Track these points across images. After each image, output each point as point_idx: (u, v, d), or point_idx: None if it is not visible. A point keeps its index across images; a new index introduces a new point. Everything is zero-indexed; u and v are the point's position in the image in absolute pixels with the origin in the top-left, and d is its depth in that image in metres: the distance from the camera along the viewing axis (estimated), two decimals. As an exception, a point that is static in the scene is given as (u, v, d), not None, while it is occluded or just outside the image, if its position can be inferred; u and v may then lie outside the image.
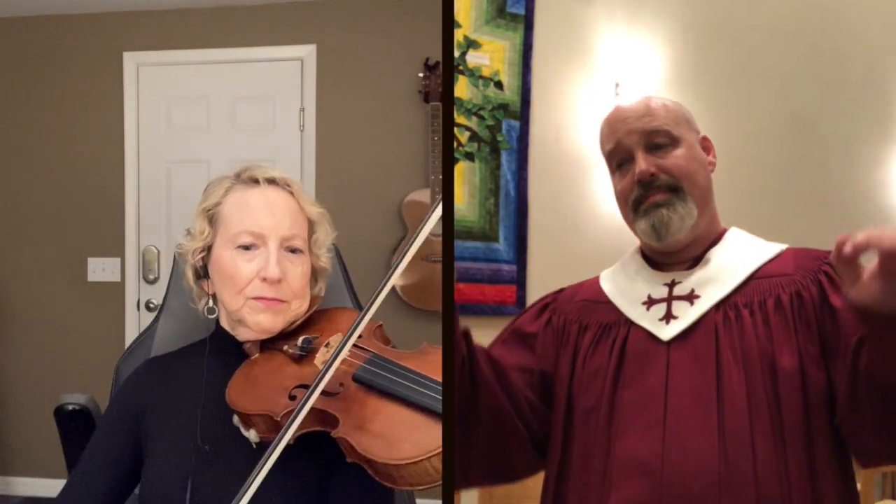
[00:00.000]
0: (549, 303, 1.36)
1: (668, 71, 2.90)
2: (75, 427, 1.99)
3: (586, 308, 1.31)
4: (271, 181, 1.32)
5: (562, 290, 1.39)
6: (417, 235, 1.04)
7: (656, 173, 1.23)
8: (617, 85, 2.86)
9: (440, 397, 1.06)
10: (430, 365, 1.14)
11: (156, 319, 1.55)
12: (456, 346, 1.14)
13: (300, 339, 1.25)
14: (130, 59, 3.97)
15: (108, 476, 1.28)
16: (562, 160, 2.83)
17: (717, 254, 1.26)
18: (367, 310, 1.07)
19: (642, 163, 1.23)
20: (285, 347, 1.26)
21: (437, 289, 3.37)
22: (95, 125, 3.98)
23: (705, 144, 1.31)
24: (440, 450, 0.99)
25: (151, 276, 3.96)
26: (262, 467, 1.01)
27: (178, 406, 1.28)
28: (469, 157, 2.77)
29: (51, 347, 3.98)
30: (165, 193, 3.97)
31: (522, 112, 2.84)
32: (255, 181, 1.31)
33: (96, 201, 3.97)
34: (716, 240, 1.28)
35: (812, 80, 3.07)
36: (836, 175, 3.10)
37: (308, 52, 3.88)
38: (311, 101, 3.88)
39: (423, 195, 3.68)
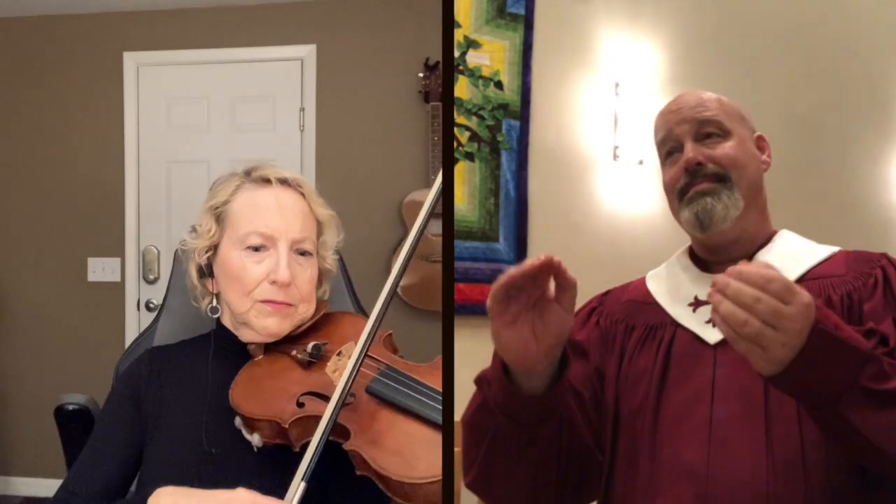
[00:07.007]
0: (596, 306, 1.34)
1: (668, 71, 2.90)
2: (75, 427, 1.98)
3: (633, 308, 1.29)
4: (283, 181, 1.30)
5: (607, 292, 1.36)
6: (420, 227, 1.03)
7: (703, 162, 1.23)
8: (617, 85, 2.86)
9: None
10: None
11: (156, 319, 1.55)
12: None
13: (310, 345, 1.22)
14: (130, 59, 3.97)
15: (118, 457, 1.25)
16: (562, 160, 2.83)
17: (766, 255, 1.23)
18: (378, 320, 1.06)
19: (690, 151, 1.23)
20: (294, 352, 1.23)
21: (438, 289, 3.36)
22: (95, 125, 3.98)
23: (760, 144, 1.31)
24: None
25: (151, 276, 3.95)
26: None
27: (179, 401, 1.26)
28: (469, 157, 2.77)
29: (51, 347, 3.98)
30: (165, 193, 3.97)
31: (522, 112, 2.83)
32: (267, 181, 1.29)
33: (96, 201, 3.97)
34: (765, 241, 1.26)
35: (813, 80, 3.07)
36: (836, 175, 3.10)
37: (308, 52, 3.88)
38: (311, 101, 3.88)
39: (423, 195, 3.64)
